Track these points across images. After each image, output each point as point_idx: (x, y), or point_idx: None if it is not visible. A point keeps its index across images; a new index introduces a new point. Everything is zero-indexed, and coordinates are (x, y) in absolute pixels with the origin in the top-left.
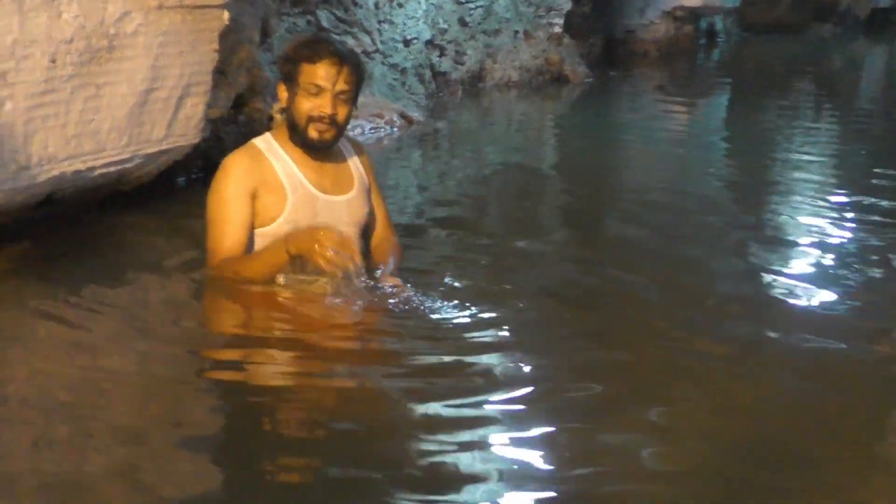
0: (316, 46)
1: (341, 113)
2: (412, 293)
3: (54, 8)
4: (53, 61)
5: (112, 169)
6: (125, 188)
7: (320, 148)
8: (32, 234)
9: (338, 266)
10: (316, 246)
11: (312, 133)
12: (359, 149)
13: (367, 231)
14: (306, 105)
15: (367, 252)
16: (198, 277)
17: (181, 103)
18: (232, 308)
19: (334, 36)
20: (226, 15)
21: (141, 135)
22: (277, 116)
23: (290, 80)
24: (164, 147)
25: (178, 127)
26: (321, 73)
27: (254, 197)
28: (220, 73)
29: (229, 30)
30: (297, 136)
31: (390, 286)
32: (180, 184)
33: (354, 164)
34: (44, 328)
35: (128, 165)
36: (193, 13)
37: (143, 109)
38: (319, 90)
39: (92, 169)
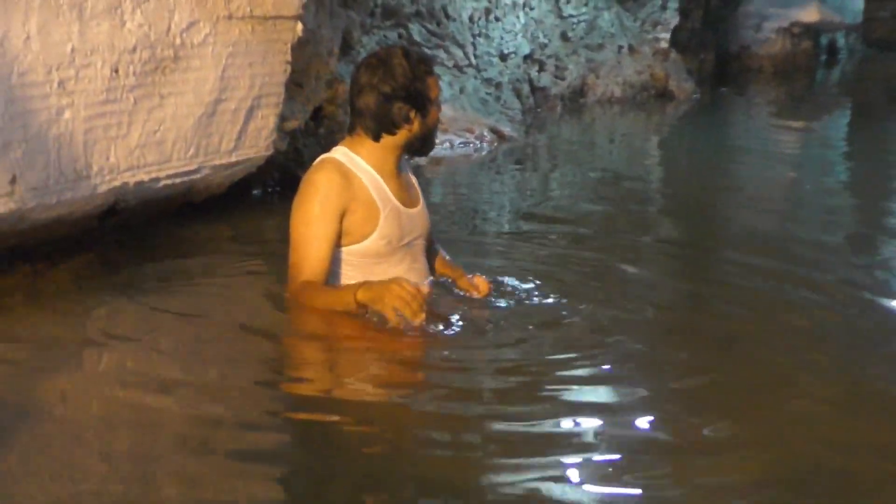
0: (420, 57)
1: None
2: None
3: (117, 16)
4: (116, 70)
5: (178, 180)
6: (195, 200)
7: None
8: (99, 245)
9: (404, 321)
10: (388, 298)
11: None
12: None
13: (428, 240)
14: (436, 115)
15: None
16: (269, 294)
17: (251, 115)
18: (309, 330)
19: (426, 50)
20: (299, 26)
21: (209, 146)
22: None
23: (423, 99)
24: (233, 159)
25: (248, 139)
26: (435, 80)
27: (343, 215)
28: (297, 84)
29: (305, 41)
30: (425, 148)
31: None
32: (256, 196)
33: (413, 176)
34: (107, 344)
35: (195, 177)
36: (264, 24)
37: (210, 120)
38: (438, 96)
39: (156, 180)
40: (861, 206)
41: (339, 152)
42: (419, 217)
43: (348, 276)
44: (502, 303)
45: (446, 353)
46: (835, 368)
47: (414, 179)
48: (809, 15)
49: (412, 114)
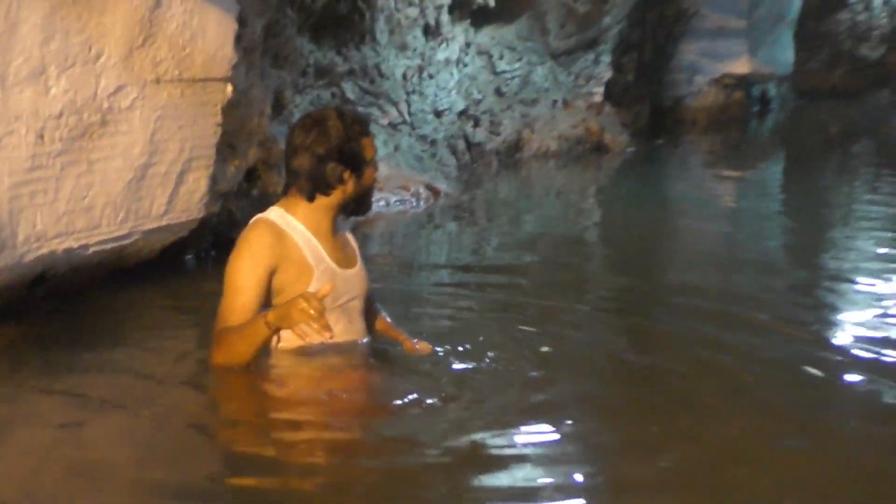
0: (355, 118)
1: None
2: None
3: (42, 83)
4: (41, 137)
5: (108, 246)
6: (127, 265)
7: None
8: (28, 315)
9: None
10: (294, 314)
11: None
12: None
13: (366, 304)
14: (373, 175)
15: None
16: (203, 358)
17: (182, 178)
18: (239, 391)
19: (360, 108)
20: (229, 88)
21: (139, 211)
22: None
23: (358, 160)
24: (164, 223)
25: (179, 202)
26: (371, 140)
27: (274, 273)
28: (229, 146)
29: (237, 102)
30: (362, 208)
31: (418, 352)
32: (189, 260)
33: (352, 237)
34: (37, 412)
35: (125, 242)
36: (194, 86)
37: (140, 185)
38: (373, 157)
39: (86, 247)
40: (795, 255)
41: (274, 213)
42: (356, 278)
43: (281, 334)
44: (443, 362)
45: (388, 410)
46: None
47: (352, 240)
48: (741, 66)
49: (346, 174)
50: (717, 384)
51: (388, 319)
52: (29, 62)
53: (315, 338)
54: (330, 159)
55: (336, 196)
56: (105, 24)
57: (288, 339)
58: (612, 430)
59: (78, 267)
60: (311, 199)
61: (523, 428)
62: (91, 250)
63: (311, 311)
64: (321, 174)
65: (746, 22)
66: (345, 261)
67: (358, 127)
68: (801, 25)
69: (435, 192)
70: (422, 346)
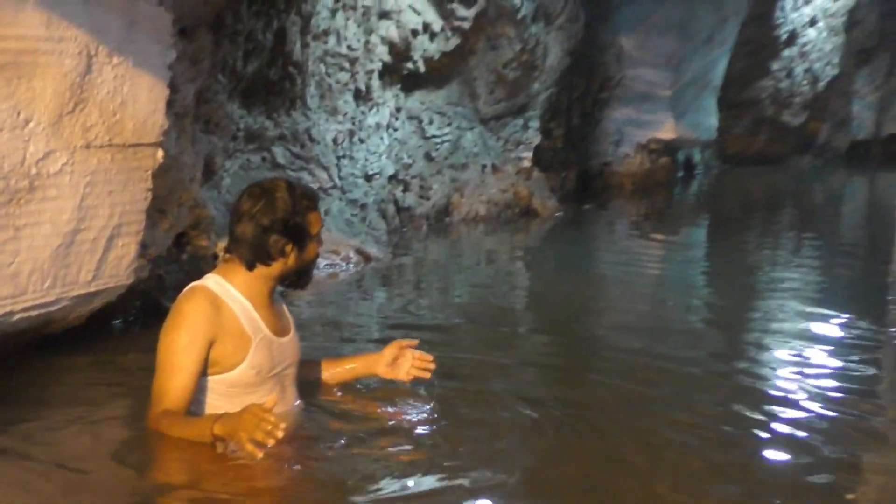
0: (304, 192)
1: None
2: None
3: None
4: None
5: (34, 313)
6: (54, 331)
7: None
8: None
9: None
10: (241, 429)
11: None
12: None
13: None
14: (316, 249)
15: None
16: (131, 426)
17: (111, 244)
18: (172, 462)
19: (290, 172)
20: (160, 153)
21: (67, 277)
22: (222, 255)
23: (302, 234)
24: (92, 289)
25: (108, 268)
26: (318, 216)
27: (212, 344)
28: (160, 211)
29: (167, 168)
30: (302, 282)
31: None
32: (117, 326)
33: (285, 305)
34: None
35: (52, 309)
36: (124, 152)
37: (69, 251)
38: (319, 231)
39: (11, 314)
40: (718, 318)
41: (212, 280)
42: (290, 346)
43: (215, 405)
44: (373, 421)
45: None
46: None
47: (286, 308)
48: (666, 132)
49: (289, 248)
50: (639, 441)
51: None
52: None
53: (245, 454)
54: (274, 231)
55: (276, 267)
56: (35, 89)
57: (217, 407)
58: (530, 481)
59: (2, 334)
60: (250, 267)
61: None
62: (17, 317)
63: (260, 425)
64: (263, 244)
65: (671, 88)
66: (281, 329)
67: (306, 202)
68: (724, 92)
69: (365, 257)
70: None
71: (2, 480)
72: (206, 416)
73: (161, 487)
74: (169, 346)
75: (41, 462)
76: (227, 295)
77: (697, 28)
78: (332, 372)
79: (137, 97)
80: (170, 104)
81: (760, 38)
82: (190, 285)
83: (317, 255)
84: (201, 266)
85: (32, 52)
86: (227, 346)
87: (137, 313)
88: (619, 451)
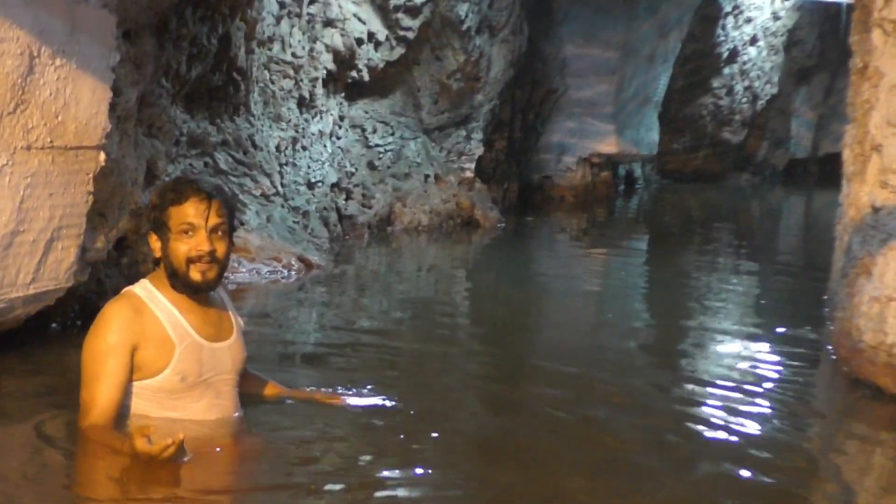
0: (180, 187)
1: (220, 248)
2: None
3: None
4: None
5: None
6: None
7: (205, 290)
8: None
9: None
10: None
11: (195, 275)
12: (225, 290)
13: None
14: (182, 248)
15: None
16: (70, 430)
17: (51, 246)
18: (106, 467)
19: (233, 178)
20: (102, 156)
21: (5, 279)
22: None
23: (161, 226)
24: (31, 292)
25: (47, 271)
26: (191, 210)
27: (134, 350)
28: (100, 214)
29: (109, 171)
30: (178, 282)
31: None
32: (55, 328)
33: (230, 307)
34: None
35: None
36: (65, 154)
37: (7, 253)
38: (192, 228)
39: None
40: (659, 331)
41: (140, 286)
42: (228, 352)
43: (143, 409)
44: (314, 426)
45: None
46: None
47: (231, 314)
48: (608, 146)
49: (152, 239)
50: (574, 445)
51: (282, 387)
52: None
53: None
54: (149, 227)
55: (162, 266)
56: None
57: (145, 411)
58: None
59: None
60: (154, 265)
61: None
62: None
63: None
64: (147, 242)
65: (613, 103)
66: (216, 334)
67: (171, 195)
68: (666, 108)
69: (307, 264)
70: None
71: None
72: (123, 437)
73: (100, 493)
74: (91, 354)
75: None
76: (153, 300)
77: (639, 44)
78: (274, 392)
79: (80, 99)
80: (112, 107)
81: (701, 55)
82: (121, 292)
83: (188, 258)
84: (141, 271)
85: None
86: (149, 351)
87: (76, 317)
88: (550, 453)
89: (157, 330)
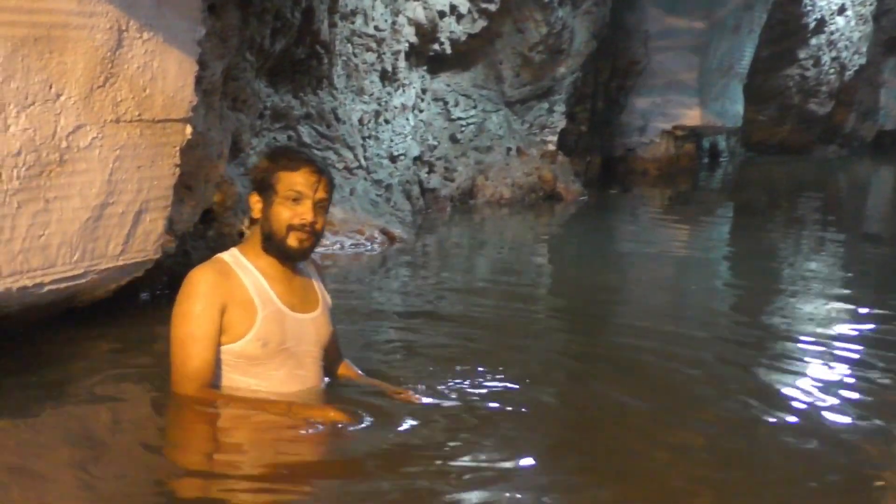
0: (293, 155)
1: (320, 222)
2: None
3: (1, 121)
4: None
5: (63, 285)
6: (81, 305)
7: (297, 258)
8: None
9: None
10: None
11: (293, 242)
12: (318, 268)
13: (327, 351)
14: (286, 213)
15: (329, 372)
16: (158, 399)
17: (139, 218)
18: (200, 433)
19: (316, 152)
20: (188, 129)
21: (95, 250)
22: (247, 232)
23: (267, 188)
24: (120, 263)
25: (136, 242)
26: (301, 180)
27: (223, 311)
28: (187, 187)
29: (195, 144)
30: (273, 246)
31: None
32: (144, 300)
33: (318, 284)
34: None
35: (81, 282)
36: (153, 127)
37: (97, 224)
38: (300, 197)
39: (40, 285)
40: (739, 305)
41: (228, 252)
42: (312, 324)
43: (224, 374)
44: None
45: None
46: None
47: (318, 286)
48: (692, 118)
49: (254, 199)
50: (665, 426)
51: (357, 370)
52: None
53: None
54: (252, 186)
55: (257, 230)
56: (66, 63)
57: (229, 379)
58: (565, 469)
59: (31, 306)
60: (251, 224)
61: (482, 472)
62: (46, 289)
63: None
64: (248, 201)
65: (697, 75)
66: (301, 305)
67: (285, 160)
68: (750, 80)
69: (390, 237)
70: (406, 396)
71: (24, 451)
72: (274, 402)
73: (182, 460)
74: (182, 317)
75: (65, 433)
76: (239, 265)
77: (724, 15)
78: (350, 375)
79: (167, 73)
80: (198, 81)
81: (788, 25)
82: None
83: (290, 225)
84: (227, 243)
85: (64, 26)
86: (234, 314)
87: (164, 288)
88: (633, 437)
89: (242, 293)
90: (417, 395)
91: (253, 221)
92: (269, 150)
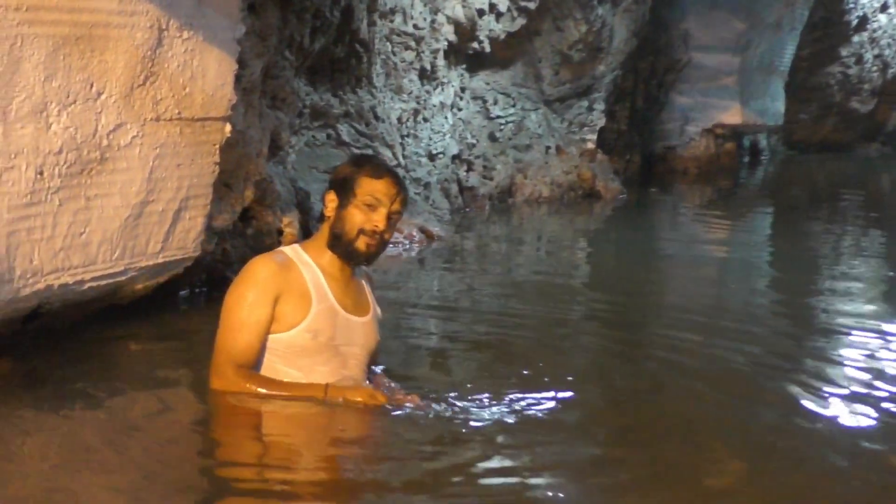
0: (379, 164)
1: (389, 233)
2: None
3: (42, 119)
4: (41, 173)
5: (103, 282)
6: (121, 301)
7: (362, 262)
8: (21, 349)
9: None
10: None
11: (361, 245)
12: (370, 279)
13: (372, 359)
14: (360, 217)
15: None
16: (195, 395)
17: (179, 216)
18: (231, 432)
19: (355, 150)
20: (227, 128)
21: (135, 248)
22: (286, 230)
23: (346, 189)
24: (160, 260)
25: (175, 240)
26: (382, 188)
27: (276, 301)
28: (226, 185)
29: (234, 142)
30: (340, 246)
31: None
32: (183, 297)
33: (370, 293)
34: (27, 451)
35: (121, 279)
36: (193, 125)
37: (137, 222)
38: (377, 204)
39: (81, 282)
40: (780, 304)
41: (290, 247)
42: (362, 328)
43: (270, 363)
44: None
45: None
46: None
47: (370, 296)
48: (732, 117)
49: (329, 197)
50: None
51: (378, 370)
52: (31, 99)
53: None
54: (330, 185)
55: (326, 226)
56: (107, 62)
57: (275, 370)
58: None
59: (72, 302)
60: (319, 221)
61: (525, 472)
62: (86, 286)
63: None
64: (323, 198)
65: (738, 73)
66: (353, 308)
67: (369, 167)
68: (792, 77)
69: (428, 235)
70: (411, 398)
71: (67, 445)
72: (309, 385)
73: (225, 453)
74: (236, 302)
75: (106, 428)
76: (300, 259)
77: (765, 12)
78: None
79: (206, 71)
80: (238, 79)
81: (830, 22)
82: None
83: (361, 229)
84: (265, 241)
85: (105, 25)
86: (289, 305)
87: (203, 286)
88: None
89: (300, 285)
90: (425, 402)
91: (321, 219)
92: (356, 156)
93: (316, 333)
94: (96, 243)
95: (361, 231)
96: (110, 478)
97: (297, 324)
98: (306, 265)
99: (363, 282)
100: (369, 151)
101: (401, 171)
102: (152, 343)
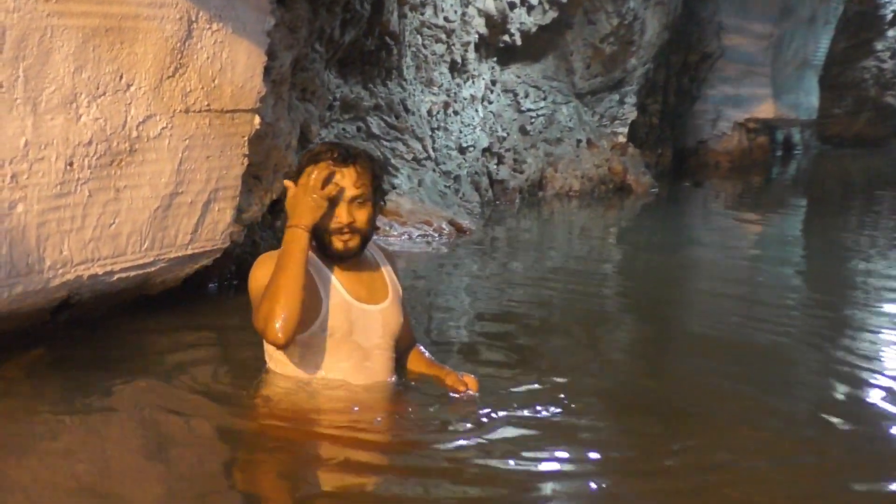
0: (318, 156)
1: (360, 218)
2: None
3: (73, 110)
4: (71, 164)
5: (133, 273)
6: (150, 293)
7: (348, 258)
8: (50, 339)
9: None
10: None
11: (337, 244)
12: (390, 257)
13: (399, 341)
14: (324, 218)
15: (400, 361)
16: (224, 387)
17: (208, 208)
18: (260, 424)
19: (385, 143)
20: (257, 119)
21: (164, 239)
22: None
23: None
24: (189, 252)
25: (204, 232)
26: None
27: None
28: (255, 177)
29: (263, 134)
30: (323, 248)
31: (463, 392)
32: (212, 289)
33: (388, 273)
34: (55, 440)
35: (150, 270)
36: (222, 117)
37: (166, 213)
38: (336, 198)
39: (110, 273)
40: (813, 300)
41: None
42: (380, 315)
43: (291, 366)
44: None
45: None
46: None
47: (388, 275)
48: (765, 111)
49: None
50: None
51: (428, 355)
52: (60, 90)
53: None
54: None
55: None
56: (136, 53)
57: (295, 370)
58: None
59: (102, 293)
60: None
61: (550, 464)
62: (116, 277)
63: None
64: None
65: (771, 66)
66: (368, 296)
67: (323, 156)
68: (826, 71)
69: (458, 228)
70: (467, 379)
71: (95, 436)
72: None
73: (253, 448)
74: (257, 285)
75: (133, 420)
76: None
77: (799, 6)
78: (419, 365)
79: (236, 63)
80: (267, 71)
81: (864, 17)
82: None
83: (327, 227)
84: None
85: (134, 17)
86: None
87: (232, 277)
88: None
89: (308, 282)
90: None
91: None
92: (305, 153)
93: (332, 331)
94: (126, 234)
95: (328, 231)
96: (137, 478)
97: (311, 323)
98: (311, 262)
99: (379, 263)
100: (399, 144)
101: (430, 164)
102: (182, 335)
